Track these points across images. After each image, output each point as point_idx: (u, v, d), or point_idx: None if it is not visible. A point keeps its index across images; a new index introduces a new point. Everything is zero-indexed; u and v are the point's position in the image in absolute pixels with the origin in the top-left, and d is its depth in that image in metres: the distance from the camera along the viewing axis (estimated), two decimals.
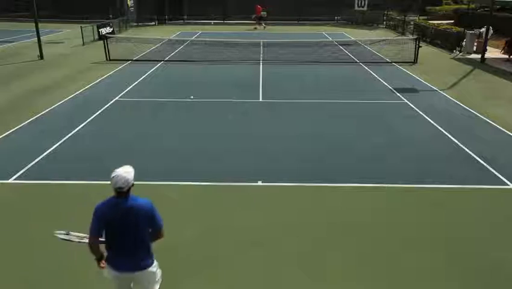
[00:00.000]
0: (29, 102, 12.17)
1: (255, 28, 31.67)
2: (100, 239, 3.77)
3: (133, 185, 3.69)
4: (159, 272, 4.08)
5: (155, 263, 3.99)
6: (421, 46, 18.93)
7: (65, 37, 26.14)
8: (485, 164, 8.10)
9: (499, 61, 18.60)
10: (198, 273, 5.11)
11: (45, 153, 8.45)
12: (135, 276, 3.88)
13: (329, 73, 16.30)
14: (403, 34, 27.79)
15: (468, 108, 11.82)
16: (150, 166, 7.90)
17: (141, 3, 33.72)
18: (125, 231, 3.71)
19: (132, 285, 4.02)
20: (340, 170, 7.91)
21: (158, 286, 4.12)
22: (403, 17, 29.07)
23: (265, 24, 32.16)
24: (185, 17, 36.49)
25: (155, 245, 3.95)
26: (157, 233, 3.86)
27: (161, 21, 35.11)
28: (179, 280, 4.99)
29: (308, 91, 13.48)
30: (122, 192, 3.65)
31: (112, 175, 3.63)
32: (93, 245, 3.75)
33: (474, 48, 20.61)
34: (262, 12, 32.43)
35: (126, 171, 3.67)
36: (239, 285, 4.95)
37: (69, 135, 9.47)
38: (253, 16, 32.37)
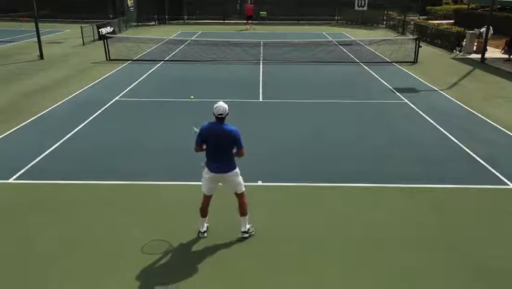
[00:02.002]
0: (29, 102, 12.17)
1: (247, 28, 31.55)
2: (203, 147, 5.41)
3: (228, 114, 5.27)
4: (240, 177, 5.56)
5: (237, 170, 5.50)
6: (421, 46, 18.93)
7: (65, 36, 26.15)
8: (485, 164, 8.10)
9: (499, 61, 18.60)
10: (201, 268, 5.12)
11: (45, 153, 8.45)
12: (220, 176, 5.46)
13: (329, 73, 16.30)
14: (403, 33, 27.79)
15: (469, 108, 11.82)
16: (150, 166, 7.90)
17: (141, 3, 33.70)
18: (216, 145, 5.31)
19: (220, 184, 5.62)
20: (340, 169, 7.91)
21: (243, 188, 5.61)
22: (403, 17, 29.07)
23: (250, 25, 32.02)
24: (185, 17, 36.50)
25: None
26: (238, 152, 5.39)
27: (161, 21, 35.12)
28: (182, 276, 5.00)
29: (308, 91, 13.48)
30: (221, 118, 5.27)
31: (216, 105, 5.25)
32: (196, 151, 5.49)
33: (474, 48, 20.63)
34: (261, 13, 32.43)
35: (224, 104, 5.30)
36: (241, 283, 4.96)
37: (69, 135, 9.47)
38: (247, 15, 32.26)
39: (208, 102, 12.05)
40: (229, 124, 5.33)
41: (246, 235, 5.73)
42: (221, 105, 5.25)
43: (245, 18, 32.43)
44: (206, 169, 5.48)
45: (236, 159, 5.47)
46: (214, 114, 5.26)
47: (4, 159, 8.27)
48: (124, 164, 8.03)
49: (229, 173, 5.45)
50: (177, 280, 4.98)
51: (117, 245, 5.61)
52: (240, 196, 5.63)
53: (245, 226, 5.73)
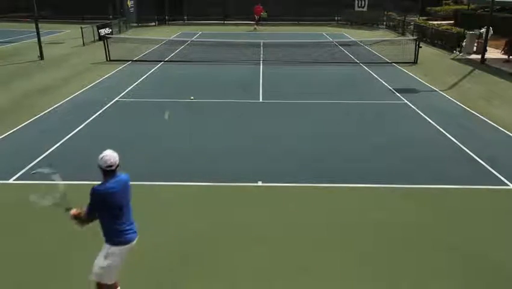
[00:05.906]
0: (29, 102, 12.18)
1: (255, 28, 31.68)
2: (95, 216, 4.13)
3: (118, 165, 4.05)
4: None
5: None
6: (421, 47, 18.94)
7: (66, 37, 26.16)
8: (485, 164, 8.10)
9: (499, 61, 18.59)
10: (200, 269, 5.12)
11: (45, 154, 8.45)
12: (134, 242, 4.22)
13: (329, 73, 16.31)
14: (403, 34, 27.79)
15: (468, 108, 11.82)
16: (150, 167, 7.91)
17: (141, 3, 33.71)
18: (127, 202, 4.14)
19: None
20: (340, 170, 7.91)
21: None
22: (403, 17, 29.07)
23: (257, 25, 32.05)
24: (185, 17, 36.50)
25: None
26: None
27: (161, 22, 35.12)
28: (180, 278, 5.00)
29: (308, 92, 13.48)
30: (112, 171, 3.98)
31: (102, 156, 3.95)
32: (87, 222, 4.19)
33: (474, 48, 20.61)
34: (262, 13, 32.46)
35: (113, 152, 4.01)
36: (240, 283, 4.96)
37: (69, 135, 9.47)
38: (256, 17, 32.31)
39: (208, 103, 12.12)
40: (121, 173, 4.19)
41: None
42: (110, 154, 3.97)
43: (254, 19, 32.32)
44: (114, 247, 4.11)
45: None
46: (100, 167, 3.96)
47: (4, 159, 8.28)
48: (124, 164, 8.00)
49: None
50: (177, 280, 4.99)
51: None
52: None
53: None
